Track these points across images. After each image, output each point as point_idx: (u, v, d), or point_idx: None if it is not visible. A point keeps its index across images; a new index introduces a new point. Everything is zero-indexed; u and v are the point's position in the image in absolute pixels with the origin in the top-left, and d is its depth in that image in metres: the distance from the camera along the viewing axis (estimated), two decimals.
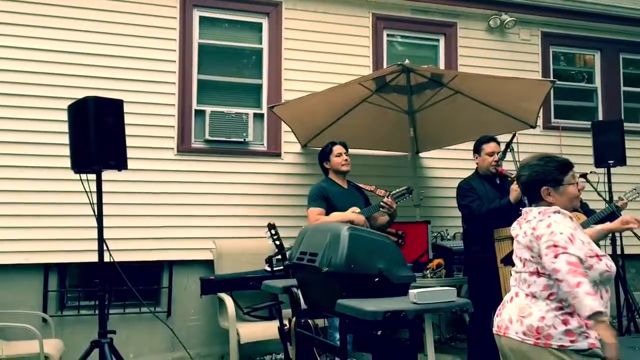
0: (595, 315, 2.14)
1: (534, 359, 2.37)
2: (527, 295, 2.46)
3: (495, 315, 2.61)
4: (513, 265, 4.10)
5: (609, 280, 2.43)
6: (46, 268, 5.07)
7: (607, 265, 2.39)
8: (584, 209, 5.13)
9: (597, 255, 2.39)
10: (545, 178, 2.54)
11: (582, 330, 2.30)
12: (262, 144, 5.85)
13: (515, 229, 2.64)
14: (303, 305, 3.15)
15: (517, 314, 2.45)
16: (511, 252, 4.05)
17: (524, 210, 2.63)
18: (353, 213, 4.15)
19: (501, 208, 4.11)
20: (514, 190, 4.05)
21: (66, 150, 3.96)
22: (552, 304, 2.36)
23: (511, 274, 4.06)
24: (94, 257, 3.88)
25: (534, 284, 2.44)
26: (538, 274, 2.42)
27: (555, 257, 2.26)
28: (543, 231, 2.38)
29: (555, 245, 2.29)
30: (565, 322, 2.31)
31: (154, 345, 5.28)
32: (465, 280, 4.79)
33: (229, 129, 5.64)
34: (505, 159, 4.28)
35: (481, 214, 4.19)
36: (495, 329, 2.58)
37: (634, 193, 4.87)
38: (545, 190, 2.53)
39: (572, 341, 2.30)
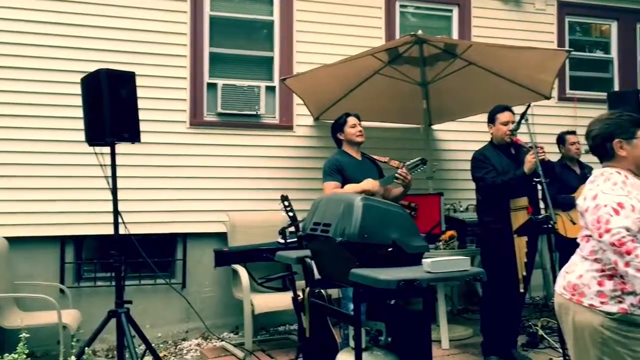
0: None
1: (567, 313, 2.47)
2: (579, 255, 2.53)
3: None
4: (527, 235, 4.13)
5: None
6: (62, 240, 5.14)
7: None
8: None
9: None
10: (618, 130, 2.50)
11: (616, 295, 2.31)
12: (274, 117, 5.84)
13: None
14: (316, 276, 3.17)
15: (564, 270, 2.55)
16: (525, 223, 4.08)
17: (593, 171, 2.61)
18: (367, 181, 4.15)
19: (515, 179, 4.09)
20: (529, 162, 4.02)
21: (80, 124, 3.98)
22: (595, 265, 2.40)
23: (526, 245, 4.11)
24: (109, 230, 3.92)
25: (584, 247, 2.48)
26: (587, 238, 2.46)
27: (600, 237, 2.28)
28: (589, 203, 2.38)
29: (598, 221, 2.29)
30: (600, 284, 2.34)
31: (169, 316, 5.37)
32: (478, 251, 4.80)
33: (241, 102, 5.63)
34: (519, 131, 4.23)
35: (496, 185, 4.17)
36: None
37: None
38: (617, 143, 2.48)
39: (602, 302, 2.34)
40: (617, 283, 2.31)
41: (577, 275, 2.44)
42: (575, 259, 2.54)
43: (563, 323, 2.54)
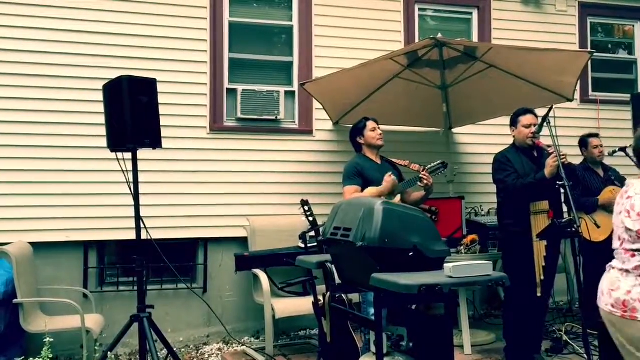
0: None
1: (623, 330, 2.46)
2: (619, 270, 2.51)
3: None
4: (548, 239, 4.07)
5: None
6: (86, 245, 5.20)
7: None
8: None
9: None
10: None
11: None
12: (294, 122, 5.86)
13: (618, 203, 2.60)
14: (337, 281, 3.16)
15: (608, 287, 2.53)
16: (547, 227, 4.03)
17: (627, 181, 2.58)
18: (386, 178, 4.13)
19: (536, 183, 4.05)
20: (550, 166, 3.97)
21: (102, 130, 4.03)
22: None
23: (546, 249, 4.06)
24: (131, 235, 3.95)
25: (627, 261, 2.46)
26: (633, 252, 2.43)
27: None
28: None
29: None
30: None
31: (190, 321, 5.40)
32: (500, 255, 4.75)
33: (260, 107, 5.65)
34: (541, 133, 4.18)
35: (516, 188, 4.12)
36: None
37: None
38: None
39: None
40: None
41: (624, 292, 2.43)
42: (615, 274, 2.50)
43: (617, 340, 2.51)
